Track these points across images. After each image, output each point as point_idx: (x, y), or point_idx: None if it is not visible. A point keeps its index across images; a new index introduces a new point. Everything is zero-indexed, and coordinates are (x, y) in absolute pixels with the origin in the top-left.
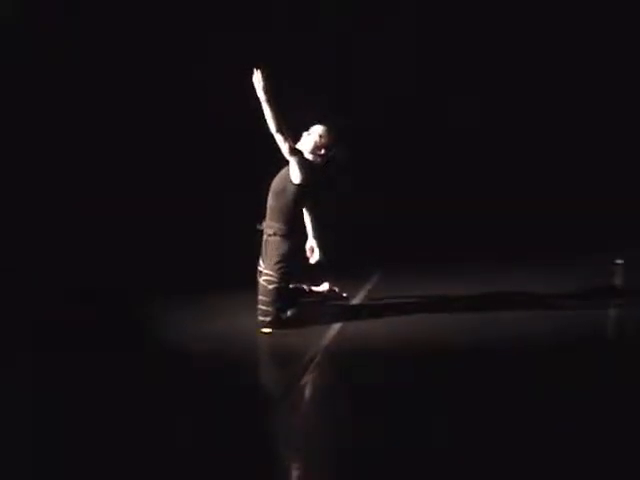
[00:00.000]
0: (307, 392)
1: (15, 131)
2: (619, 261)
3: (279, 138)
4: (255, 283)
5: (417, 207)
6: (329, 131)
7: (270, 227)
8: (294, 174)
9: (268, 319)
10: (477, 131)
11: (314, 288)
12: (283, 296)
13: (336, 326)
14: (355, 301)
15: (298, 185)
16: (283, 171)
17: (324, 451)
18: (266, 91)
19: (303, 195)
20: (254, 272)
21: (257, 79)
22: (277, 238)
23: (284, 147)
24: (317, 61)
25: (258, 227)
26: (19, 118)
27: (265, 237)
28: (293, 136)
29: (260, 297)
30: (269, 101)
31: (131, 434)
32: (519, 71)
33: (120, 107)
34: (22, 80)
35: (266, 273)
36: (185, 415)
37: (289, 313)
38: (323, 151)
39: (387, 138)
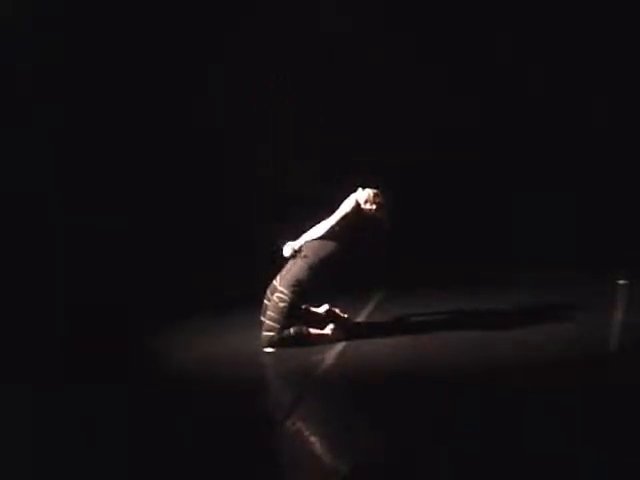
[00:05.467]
0: (308, 413)
1: (15, 132)
2: (622, 282)
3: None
4: (256, 302)
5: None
6: (380, 194)
7: (306, 249)
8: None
9: (271, 334)
10: (477, 132)
11: (313, 309)
12: (291, 315)
13: (338, 346)
14: (357, 320)
15: (352, 229)
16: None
17: (326, 472)
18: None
19: (350, 239)
20: (254, 290)
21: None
22: (305, 263)
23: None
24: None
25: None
26: (18, 120)
27: (297, 256)
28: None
29: (269, 312)
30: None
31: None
32: (519, 72)
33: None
34: (22, 80)
35: (280, 290)
36: (185, 434)
37: (292, 331)
38: (373, 206)
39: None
